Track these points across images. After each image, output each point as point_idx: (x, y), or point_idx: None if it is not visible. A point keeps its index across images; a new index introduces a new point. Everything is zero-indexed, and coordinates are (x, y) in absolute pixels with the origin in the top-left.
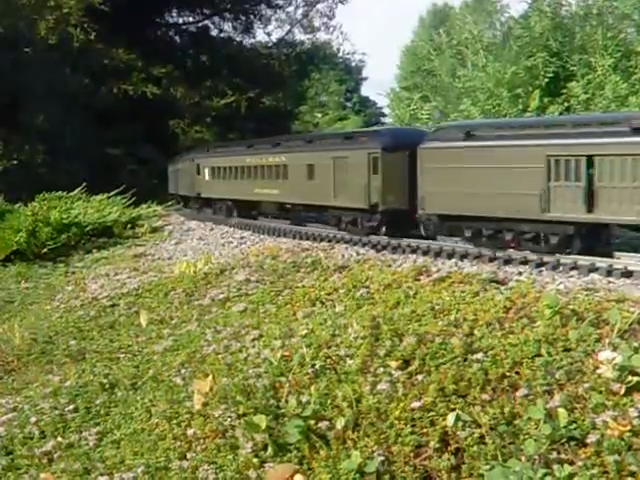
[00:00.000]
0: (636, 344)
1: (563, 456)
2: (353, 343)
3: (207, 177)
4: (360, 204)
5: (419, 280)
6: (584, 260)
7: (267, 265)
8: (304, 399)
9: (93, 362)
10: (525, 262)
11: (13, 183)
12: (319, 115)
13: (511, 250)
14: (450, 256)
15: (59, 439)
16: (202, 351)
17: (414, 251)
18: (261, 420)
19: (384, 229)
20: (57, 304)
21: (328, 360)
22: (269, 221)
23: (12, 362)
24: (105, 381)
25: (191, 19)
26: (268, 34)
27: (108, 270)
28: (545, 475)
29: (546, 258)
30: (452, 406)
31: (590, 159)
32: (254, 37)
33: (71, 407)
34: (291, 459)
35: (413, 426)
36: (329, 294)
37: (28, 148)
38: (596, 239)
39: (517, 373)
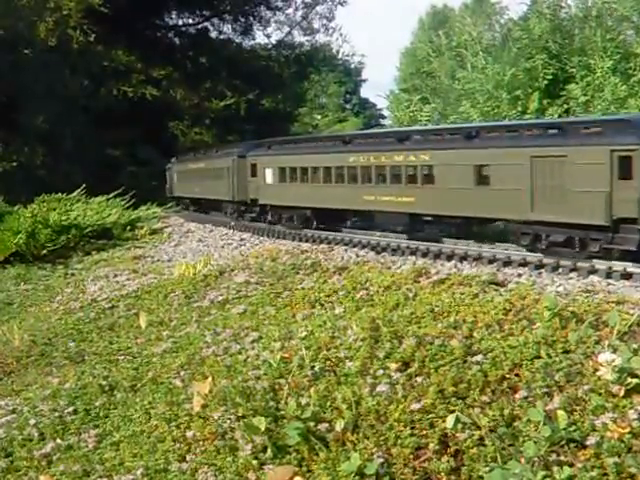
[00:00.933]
0: (635, 346)
1: (562, 458)
2: (352, 345)
3: (270, 180)
4: (591, 219)
5: (418, 282)
6: (583, 262)
7: (267, 267)
8: (303, 401)
9: (92, 364)
10: (524, 264)
11: (12, 185)
12: (318, 117)
13: (511, 251)
14: (449, 258)
15: (58, 441)
16: (201, 353)
17: (413, 253)
18: (260, 422)
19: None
20: (56, 306)
21: (327, 362)
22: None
23: (11, 364)
24: (104, 383)
25: (190, 21)
26: (267, 36)
27: (107, 272)
28: (545, 477)
29: (545, 260)
30: (451, 408)
31: None
32: (253, 39)
33: (70, 409)
34: (290, 461)
35: (412, 428)
36: (328, 296)
37: (27, 150)
38: None
39: (516, 375)
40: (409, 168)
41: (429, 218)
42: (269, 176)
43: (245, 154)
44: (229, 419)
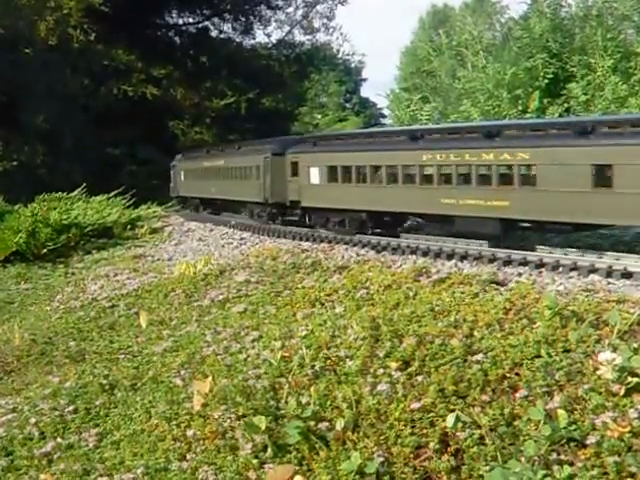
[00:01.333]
0: (636, 345)
1: (563, 457)
2: (353, 344)
3: (316, 179)
4: None
5: (419, 281)
6: (584, 261)
7: (267, 266)
8: (304, 400)
9: (93, 363)
10: (525, 263)
11: (13, 184)
12: (319, 116)
13: (511, 250)
14: (450, 257)
15: (59, 440)
16: (202, 352)
17: (414, 252)
18: (261, 421)
19: None
20: (57, 305)
21: (328, 361)
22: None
23: (12, 363)
24: (105, 382)
25: (191, 20)
26: (268, 35)
27: (108, 271)
28: (545, 476)
29: (546, 259)
30: (452, 407)
31: None
32: (254, 38)
33: (71, 408)
34: (291, 460)
35: (413, 427)
36: (329, 295)
37: (28, 149)
38: None
39: (517, 374)
40: (502, 168)
41: (526, 224)
42: (315, 176)
43: (282, 151)
44: (229, 418)
